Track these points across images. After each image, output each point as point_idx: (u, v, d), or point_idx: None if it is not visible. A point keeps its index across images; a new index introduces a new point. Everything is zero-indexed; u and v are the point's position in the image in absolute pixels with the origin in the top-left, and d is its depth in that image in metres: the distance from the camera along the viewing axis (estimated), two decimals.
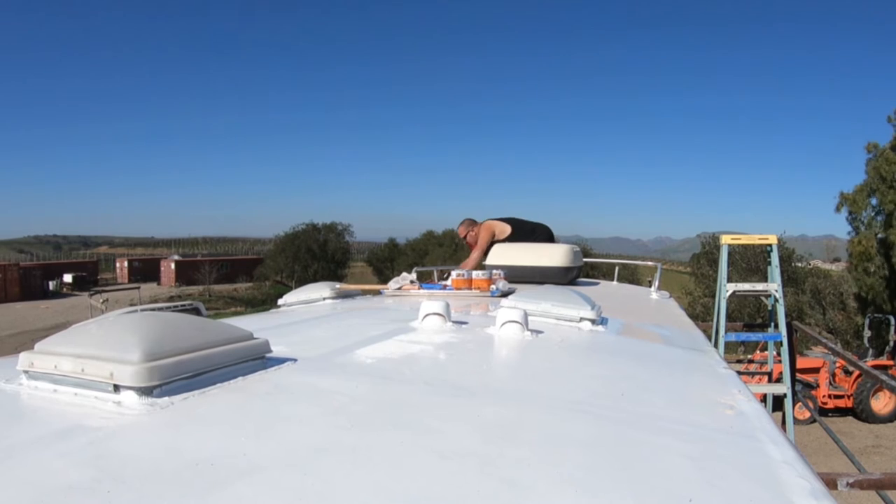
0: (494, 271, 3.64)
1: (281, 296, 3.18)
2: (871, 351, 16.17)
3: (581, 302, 2.26)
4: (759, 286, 6.41)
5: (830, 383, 14.93)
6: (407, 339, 1.85)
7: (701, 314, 20.24)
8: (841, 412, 14.80)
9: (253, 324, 1.62)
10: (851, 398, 14.61)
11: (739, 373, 3.51)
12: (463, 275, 3.43)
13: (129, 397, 1.01)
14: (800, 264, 26.79)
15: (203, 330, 1.21)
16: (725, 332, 6.20)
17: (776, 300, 6.18)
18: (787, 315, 6.26)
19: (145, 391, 1.02)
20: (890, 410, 14.50)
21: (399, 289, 3.48)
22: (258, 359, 1.31)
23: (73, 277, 52.53)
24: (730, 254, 6.50)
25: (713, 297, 8.69)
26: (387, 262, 51.17)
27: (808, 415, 11.69)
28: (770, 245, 6.28)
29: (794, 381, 6.25)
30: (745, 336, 7.46)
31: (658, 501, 0.81)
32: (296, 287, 3.51)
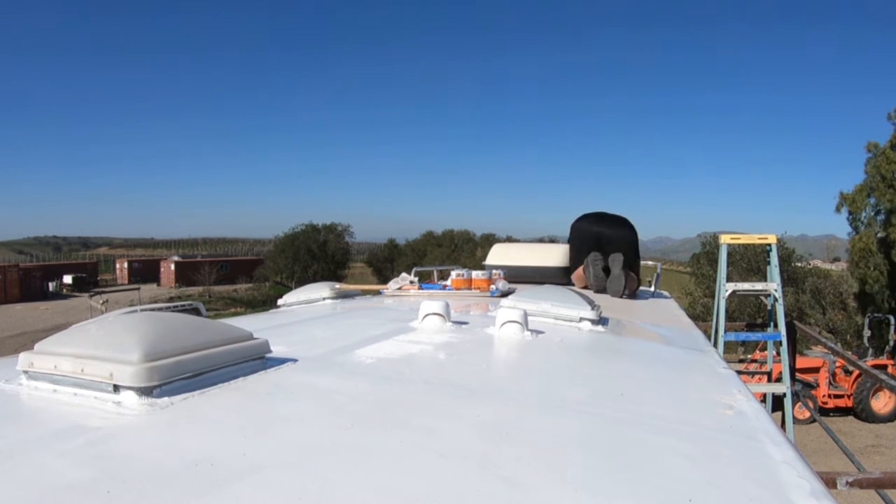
0: (494, 271, 3.64)
1: (281, 296, 3.18)
2: (870, 350, 16.17)
3: (581, 302, 2.26)
4: (759, 286, 6.41)
5: (830, 383, 14.93)
6: (407, 339, 1.85)
7: (701, 314, 20.21)
8: (841, 412, 14.80)
9: (253, 324, 1.62)
10: (851, 398, 14.60)
11: (739, 372, 3.51)
12: (462, 275, 3.44)
13: (128, 397, 1.01)
14: (800, 264, 26.76)
15: (203, 330, 1.21)
16: (725, 331, 6.20)
17: (776, 300, 6.17)
18: (786, 315, 6.25)
19: (145, 391, 1.02)
20: (890, 410, 14.49)
21: (399, 289, 3.48)
22: (258, 359, 1.30)
23: (73, 278, 52.45)
24: (730, 254, 6.50)
25: (713, 297, 8.69)
26: (386, 262, 51.17)
27: (808, 415, 11.68)
28: (770, 245, 6.28)
29: (793, 380, 6.25)
30: (744, 336, 7.46)
31: (658, 501, 0.81)
32: (295, 287, 3.51)
